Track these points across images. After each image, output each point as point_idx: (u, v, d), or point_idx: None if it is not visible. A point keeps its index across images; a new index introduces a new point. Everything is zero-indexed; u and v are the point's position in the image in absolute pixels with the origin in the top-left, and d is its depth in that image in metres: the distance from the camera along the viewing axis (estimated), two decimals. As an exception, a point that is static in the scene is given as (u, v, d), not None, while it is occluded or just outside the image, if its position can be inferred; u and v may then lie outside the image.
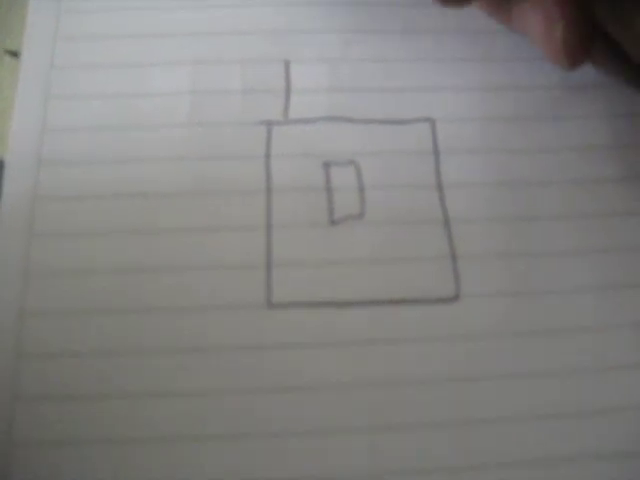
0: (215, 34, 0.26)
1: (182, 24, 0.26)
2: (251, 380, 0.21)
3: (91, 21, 0.26)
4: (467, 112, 0.25)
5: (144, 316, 0.22)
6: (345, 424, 0.21)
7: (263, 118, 0.24)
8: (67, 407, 0.20)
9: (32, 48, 0.25)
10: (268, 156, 0.24)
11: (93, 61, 0.25)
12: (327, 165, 0.24)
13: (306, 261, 0.22)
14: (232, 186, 0.23)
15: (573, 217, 0.24)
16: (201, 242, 0.23)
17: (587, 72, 0.25)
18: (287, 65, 0.25)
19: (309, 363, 0.21)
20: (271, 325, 0.22)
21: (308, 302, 0.22)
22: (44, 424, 0.20)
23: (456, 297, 0.22)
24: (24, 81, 0.25)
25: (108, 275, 0.22)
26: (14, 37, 0.26)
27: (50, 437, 0.20)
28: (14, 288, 0.22)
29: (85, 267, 0.22)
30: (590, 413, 0.21)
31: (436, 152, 0.24)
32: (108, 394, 0.21)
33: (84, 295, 0.22)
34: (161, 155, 0.24)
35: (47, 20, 0.26)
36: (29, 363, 0.21)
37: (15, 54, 0.25)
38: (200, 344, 0.21)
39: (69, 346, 0.21)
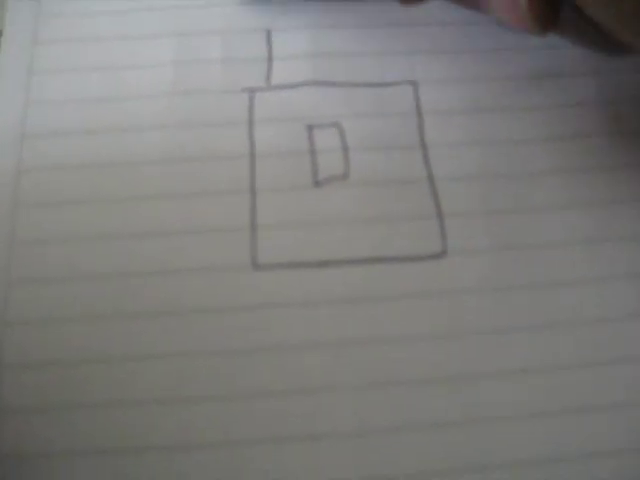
0: (198, 7, 0.26)
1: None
2: (236, 341, 0.21)
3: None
4: (450, 74, 0.25)
5: (129, 280, 0.21)
6: (331, 383, 0.20)
7: (246, 85, 0.24)
8: (49, 374, 0.20)
9: (15, 24, 0.25)
10: (251, 121, 0.24)
11: (76, 36, 0.25)
12: (310, 128, 0.24)
13: (291, 222, 0.22)
14: (216, 152, 0.23)
15: (559, 172, 0.23)
16: (186, 207, 0.22)
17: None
18: (268, 34, 0.25)
19: (296, 322, 0.21)
20: (257, 286, 0.22)
21: (294, 262, 0.22)
22: (27, 391, 0.20)
23: (443, 253, 0.22)
24: (6, 56, 0.25)
25: (92, 242, 0.22)
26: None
27: (34, 404, 0.20)
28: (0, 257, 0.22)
29: (69, 235, 0.22)
30: (577, 366, 0.21)
31: (419, 113, 0.24)
32: (91, 359, 0.21)
33: (68, 262, 0.22)
34: (145, 124, 0.24)
35: None
36: (12, 331, 0.21)
37: (-1, 32, 0.26)
38: (186, 306, 0.21)
39: (52, 313, 0.21)
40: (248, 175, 0.23)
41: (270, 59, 0.25)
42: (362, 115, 0.24)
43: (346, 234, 0.22)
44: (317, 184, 0.23)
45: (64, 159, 0.23)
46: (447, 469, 0.19)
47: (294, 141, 0.24)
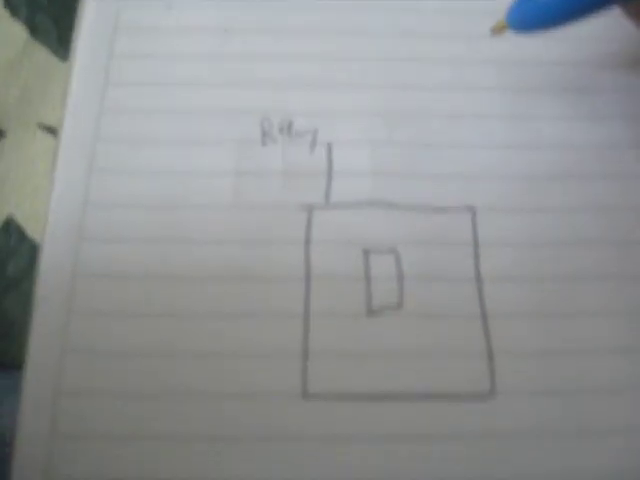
0: (258, 113, 0.26)
1: (227, 102, 0.26)
2: (284, 472, 0.21)
3: (138, 95, 0.26)
4: (509, 202, 0.25)
5: (180, 400, 0.22)
6: None
7: (304, 201, 0.24)
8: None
9: (76, 121, 0.25)
10: (308, 241, 0.24)
11: (138, 136, 0.25)
12: (367, 253, 0.24)
13: (343, 351, 0.22)
14: (272, 272, 0.23)
15: (618, 313, 0.23)
16: (238, 328, 0.23)
17: None
18: (329, 147, 0.25)
19: (343, 456, 0.21)
20: (306, 415, 0.22)
21: (343, 394, 0.22)
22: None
23: (491, 394, 0.22)
24: (66, 154, 0.25)
25: (145, 357, 0.22)
26: (47, 111, 0.26)
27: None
28: (51, 367, 0.22)
29: (122, 349, 0.22)
30: None
31: (476, 243, 0.24)
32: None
33: (120, 375, 0.22)
34: (203, 238, 0.24)
35: (92, 93, 0.26)
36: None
37: (49, 129, 0.26)
38: (235, 432, 0.21)
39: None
40: (302, 299, 0.23)
41: (330, 175, 0.25)
42: (419, 242, 0.24)
43: (396, 368, 0.22)
44: (371, 313, 0.23)
45: (119, 267, 0.23)
46: None
47: (350, 266, 0.23)
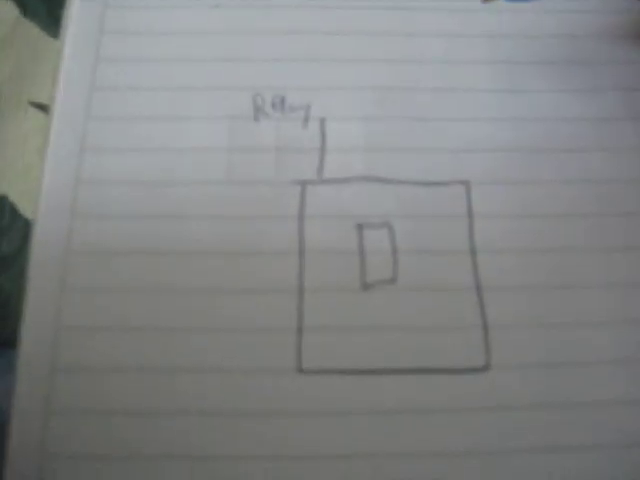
0: (250, 89, 0.26)
1: (219, 78, 0.26)
2: (278, 447, 0.21)
3: (129, 72, 0.25)
4: (504, 175, 0.25)
5: (176, 375, 0.22)
6: None
7: (298, 177, 0.24)
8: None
9: (67, 98, 0.25)
10: (302, 217, 0.24)
11: (130, 113, 0.25)
12: (360, 227, 0.24)
13: (337, 327, 0.22)
14: (266, 247, 0.23)
15: (610, 286, 0.23)
16: (233, 303, 0.23)
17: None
18: (322, 122, 0.25)
19: (339, 431, 0.21)
20: (300, 391, 0.22)
21: (338, 369, 0.22)
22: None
23: (486, 367, 0.22)
24: (57, 131, 0.24)
25: (139, 333, 0.22)
26: (38, 88, 0.26)
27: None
28: (46, 344, 0.22)
29: (116, 324, 0.22)
30: None
31: (470, 216, 0.24)
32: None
33: (116, 351, 0.22)
34: (196, 214, 0.24)
35: (83, 70, 0.25)
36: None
37: (41, 106, 0.26)
38: (230, 407, 0.21)
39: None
40: (296, 274, 0.23)
41: (323, 150, 0.25)
42: (413, 216, 0.24)
43: (391, 342, 0.22)
44: (365, 287, 0.23)
45: (112, 243, 0.23)
46: None
47: (344, 240, 0.23)
